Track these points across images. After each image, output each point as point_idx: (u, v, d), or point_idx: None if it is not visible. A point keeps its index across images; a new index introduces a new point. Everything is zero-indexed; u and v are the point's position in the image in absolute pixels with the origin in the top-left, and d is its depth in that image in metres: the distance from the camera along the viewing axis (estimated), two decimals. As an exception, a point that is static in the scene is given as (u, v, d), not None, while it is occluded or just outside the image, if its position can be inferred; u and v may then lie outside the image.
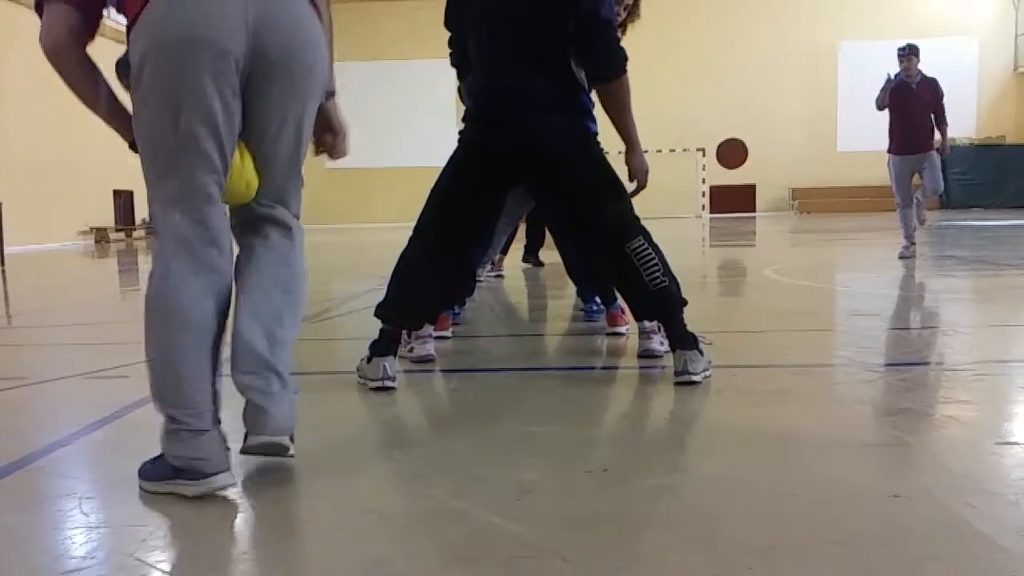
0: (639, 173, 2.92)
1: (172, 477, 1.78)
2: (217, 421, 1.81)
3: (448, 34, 3.26)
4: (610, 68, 2.82)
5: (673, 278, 2.77)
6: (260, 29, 1.74)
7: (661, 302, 2.76)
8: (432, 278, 2.90)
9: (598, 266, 3.33)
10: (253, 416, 1.84)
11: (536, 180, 2.91)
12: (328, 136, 2.06)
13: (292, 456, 1.93)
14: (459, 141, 2.95)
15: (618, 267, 2.79)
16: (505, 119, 2.81)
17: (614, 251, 2.77)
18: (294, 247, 1.96)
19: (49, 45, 1.81)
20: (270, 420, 1.83)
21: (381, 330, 2.85)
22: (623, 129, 2.87)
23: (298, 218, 1.99)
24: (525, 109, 2.78)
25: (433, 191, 2.92)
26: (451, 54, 3.26)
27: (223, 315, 1.83)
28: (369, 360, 2.82)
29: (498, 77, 2.82)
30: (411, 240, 2.90)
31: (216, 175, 1.78)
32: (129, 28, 1.73)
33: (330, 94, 2.00)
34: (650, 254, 2.74)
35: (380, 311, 2.88)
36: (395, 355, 2.87)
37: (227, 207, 1.88)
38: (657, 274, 2.73)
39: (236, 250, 1.94)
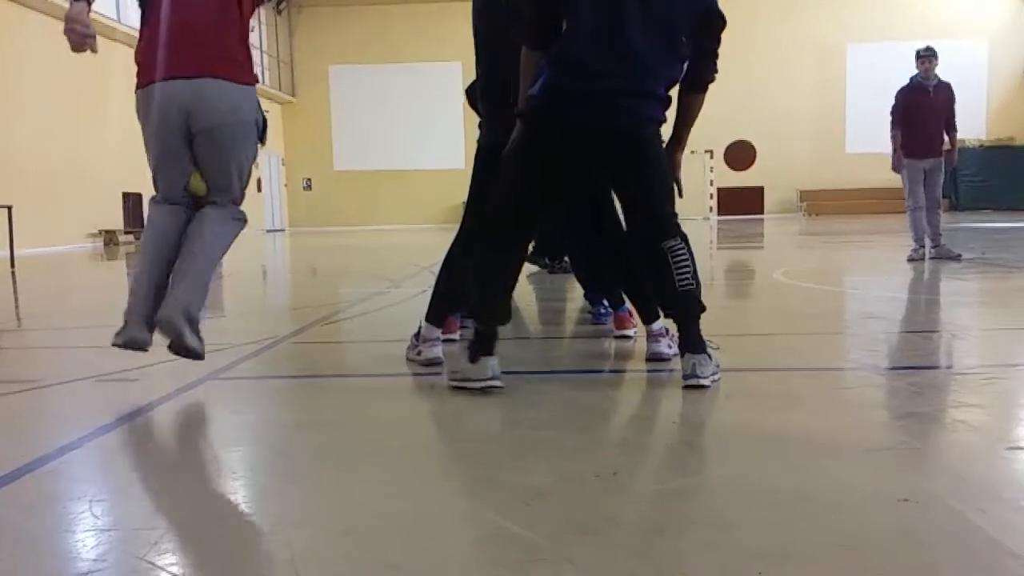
0: (678, 172, 3.00)
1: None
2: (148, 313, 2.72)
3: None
4: (713, 73, 2.84)
5: (699, 284, 2.77)
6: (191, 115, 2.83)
7: (683, 302, 2.75)
8: (508, 266, 2.85)
9: (620, 265, 3.34)
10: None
11: (602, 165, 2.84)
12: None
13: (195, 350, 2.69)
14: (525, 120, 2.81)
15: (651, 262, 2.79)
16: (598, 97, 2.70)
17: (652, 246, 2.77)
18: (218, 216, 2.94)
19: None
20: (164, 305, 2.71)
21: (478, 330, 2.79)
22: (687, 131, 2.95)
23: (225, 203, 2.96)
24: (626, 91, 2.70)
25: (504, 177, 2.83)
26: (537, 23, 2.81)
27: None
28: (474, 360, 2.74)
29: (608, 55, 2.68)
30: (483, 235, 2.84)
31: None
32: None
33: None
34: (685, 256, 2.74)
35: (479, 316, 2.80)
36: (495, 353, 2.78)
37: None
38: (687, 276, 2.73)
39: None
